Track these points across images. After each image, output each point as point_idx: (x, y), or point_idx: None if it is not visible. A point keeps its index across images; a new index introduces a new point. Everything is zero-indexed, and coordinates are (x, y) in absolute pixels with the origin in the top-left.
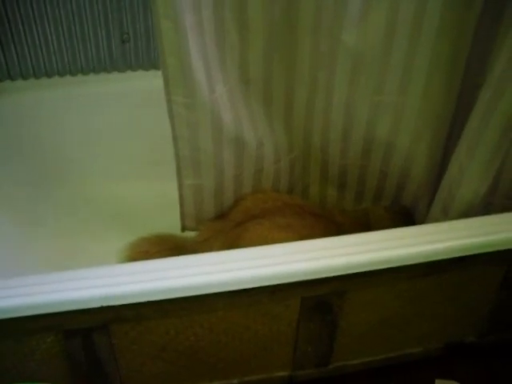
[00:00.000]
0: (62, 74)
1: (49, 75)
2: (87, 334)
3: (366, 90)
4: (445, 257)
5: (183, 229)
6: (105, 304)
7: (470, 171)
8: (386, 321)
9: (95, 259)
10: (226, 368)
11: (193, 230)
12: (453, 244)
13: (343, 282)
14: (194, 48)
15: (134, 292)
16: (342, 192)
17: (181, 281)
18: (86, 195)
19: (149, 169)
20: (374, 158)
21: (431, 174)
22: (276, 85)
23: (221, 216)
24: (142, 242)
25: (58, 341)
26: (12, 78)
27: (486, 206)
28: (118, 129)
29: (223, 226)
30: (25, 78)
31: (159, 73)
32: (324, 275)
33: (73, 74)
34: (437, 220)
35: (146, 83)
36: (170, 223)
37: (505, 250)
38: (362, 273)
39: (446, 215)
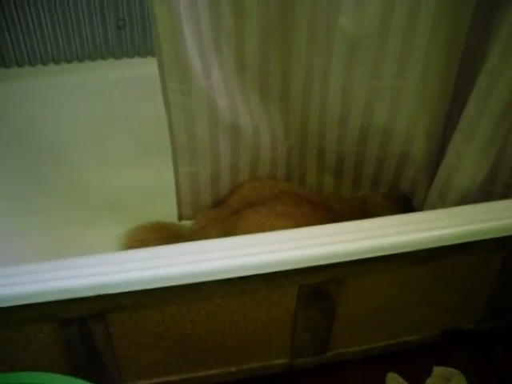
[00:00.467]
0: (57, 62)
1: (44, 62)
2: (84, 322)
3: (363, 75)
4: (443, 244)
5: (180, 217)
6: (101, 292)
7: (466, 158)
8: (384, 308)
9: (92, 247)
10: (224, 356)
11: (190, 219)
12: (451, 231)
13: (341, 269)
14: (189, 33)
15: (131, 280)
16: (340, 179)
17: (178, 268)
18: (83, 183)
19: (146, 156)
20: (371, 144)
21: (429, 160)
22: (272, 70)
23: (218, 204)
24: (139, 229)
25: (55, 330)
26: (7, 66)
27: (485, 194)
28: (114, 116)
29: (220, 214)
30: (20, 65)
31: (155, 59)
32: (321, 262)
33: (68, 61)
34: (434, 207)
35: (143, 70)
36: (166, 212)
37: (503, 237)
38: (359, 260)
39: (443, 202)
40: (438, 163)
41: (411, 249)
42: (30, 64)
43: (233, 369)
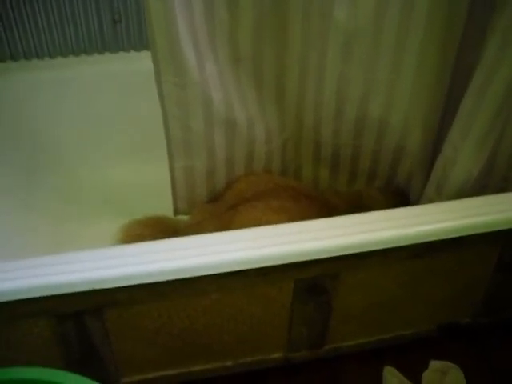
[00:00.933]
0: (52, 56)
1: (39, 57)
2: (80, 317)
3: (359, 69)
4: (439, 238)
5: (176, 212)
6: (97, 287)
7: (463, 151)
8: (380, 302)
9: (88, 243)
10: (220, 350)
11: (185, 214)
12: (447, 225)
13: (337, 263)
14: (184, 26)
15: (127, 275)
16: (335, 173)
17: (174, 263)
18: (79, 178)
19: (141, 151)
20: (367, 138)
21: (425, 154)
22: (267, 63)
23: (214, 199)
24: (135, 224)
25: (51, 325)
26: (2, 60)
27: (482, 187)
28: (110, 110)
29: (216, 209)
30: (15, 59)
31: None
32: (317, 257)
33: (64, 55)
34: (431, 200)
35: (139, 64)
36: (163, 207)
37: (499, 231)
38: (355, 254)
39: (440, 195)
40: (434, 157)
41: (407, 243)
42: (25, 58)
43: (229, 363)
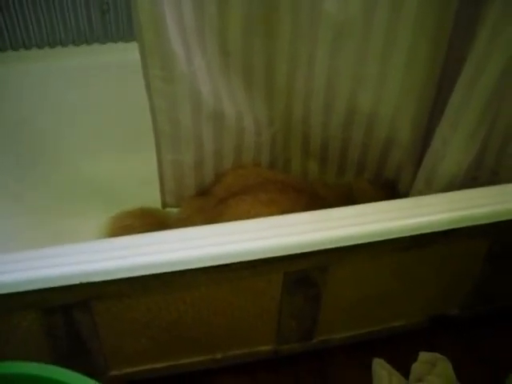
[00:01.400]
0: (40, 46)
1: (27, 47)
2: (68, 311)
3: (348, 61)
4: (429, 230)
5: (164, 205)
6: (85, 280)
7: (453, 144)
8: (370, 295)
9: (75, 236)
10: (210, 343)
11: (173, 207)
12: (437, 218)
13: (326, 256)
14: (172, 19)
15: (115, 268)
16: (324, 165)
17: (162, 256)
18: (68, 171)
19: (130, 143)
20: (356, 130)
21: (415, 146)
22: (256, 57)
23: (202, 193)
24: (123, 215)
25: (39, 318)
26: None
27: (472, 180)
28: (99, 102)
29: (205, 203)
30: (2, 49)
31: None
32: (306, 249)
33: (52, 45)
34: (420, 193)
35: (128, 55)
36: (152, 199)
37: (489, 224)
38: (344, 247)
39: (429, 188)
40: (423, 149)
41: (397, 235)
42: (12, 48)
43: (218, 356)
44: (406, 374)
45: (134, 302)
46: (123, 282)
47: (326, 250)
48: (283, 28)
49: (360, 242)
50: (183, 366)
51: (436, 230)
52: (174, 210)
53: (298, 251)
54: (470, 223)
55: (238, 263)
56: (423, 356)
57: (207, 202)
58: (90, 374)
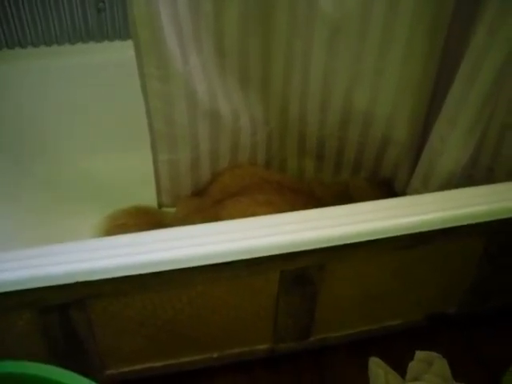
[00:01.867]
0: (36, 45)
1: (22, 45)
2: (64, 310)
3: (345, 59)
4: (426, 229)
5: (160, 205)
6: (80, 279)
7: (450, 141)
8: (367, 293)
9: (71, 234)
10: (206, 342)
11: (169, 207)
12: (434, 216)
13: (323, 254)
14: (167, 18)
15: (111, 267)
16: (321, 164)
17: (158, 254)
18: (65, 170)
19: (126, 142)
20: (352, 128)
21: (411, 144)
22: (252, 55)
23: (199, 192)
24: (119, 213)
25: (35, 317)
26: None
27: (467, 178)
28: (95, 101)
29: (201, 204)
30: None
31: None
32: (303, 248)
33: (47, 44)
34: (417, 191)
35: (124, 53)
36: (150, 199)
37: (486, 222)
38: (341, 245)
39: (426, 186)
40: (420, 147)
41: (394, 234)
42: (8, 47)
43: (215, 354)
44: (402, 372)
45: (130, 300)
46: (120, 280)
47: (322, 248)
48: (279, 26)
49: (357, 240)
50: (180, 364)
51: (433, 228)
52: (171, 210)
53: (295, 250)
54: (467, 221)
55: (234, 262)
56: (420, 355)
57: (203, 203)
58: (86, 373)
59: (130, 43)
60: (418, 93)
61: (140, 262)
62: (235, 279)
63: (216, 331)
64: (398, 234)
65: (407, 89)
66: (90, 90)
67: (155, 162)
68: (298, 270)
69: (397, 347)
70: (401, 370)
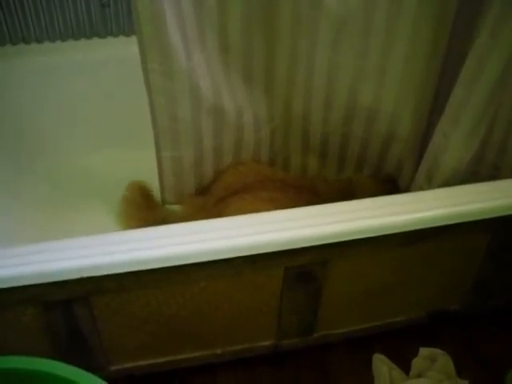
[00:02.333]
0: (39, 40)
1: (26, 41)
2: (68, 305)
3: (348, 55)
4: (429, 225)
5: (163, 202)
6: (84, 275)
7: (454, 139)
8: (370, 290)
9: (77, 230)
10: (210, 338)
11: (173, 204)
12: (437, 213)
13: (326, 251)
14: (171, 14)
15: (115, 263)
16: (324, 161)
17: (162, 251)
18: (66, 165)
19: (130, 138)
20: (356, 125)
21: (415, 141)
22: (256, 52)
23: (202, 190)
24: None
25: (38, 313)
26: None
27: (472, 175)
28: (97, 97)
29: (205, 202)
30: (1, 44)
31: None
32: (307, 244)
33: (51, 39)
34: (421, 188)
35: (128, 49)
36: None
37: (489, 219)
38: (345, 242)
39: (430, 183)
40: (424, 144)
41: (398, 230)
42: (12, 43)
43: (218, 351)
44: (406, 369)
45: (134, 296)
46: (123, 276)
47: (326, 244)
48: (283, 23)
49: (360, 236)
50: (183, 360)
51: (436, 224)
52: (176, 207)
53: (299, 246)
54: (470, 218)
55: (238, 258)
56: (423, 351)
57: (207, 201)
58: (91, 369)
59: (134, 39)
60: (421, 90)
61: (143, 258)
62: (239, 275)
63: (219, 328)
64: (402, 230)
65: (411, 85)
66: (94, 86)
67: (158, 158)
68: (301, 267)
69: (400, 344)
70: (404, 366)
